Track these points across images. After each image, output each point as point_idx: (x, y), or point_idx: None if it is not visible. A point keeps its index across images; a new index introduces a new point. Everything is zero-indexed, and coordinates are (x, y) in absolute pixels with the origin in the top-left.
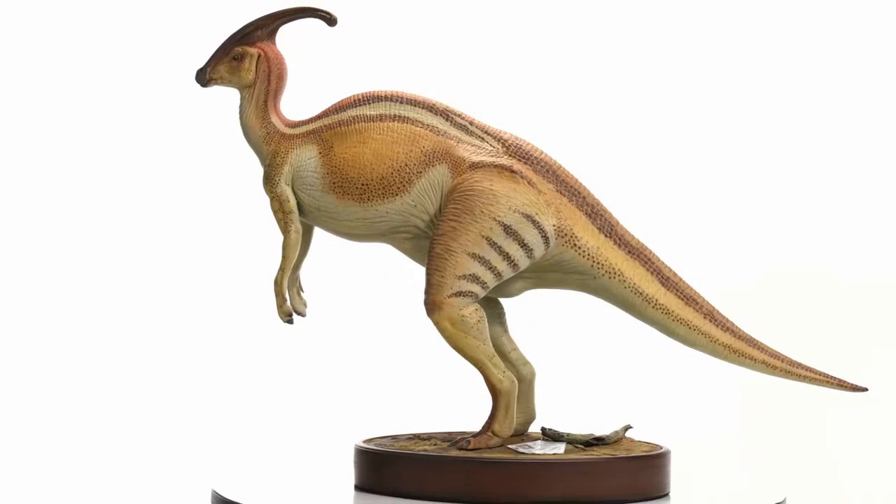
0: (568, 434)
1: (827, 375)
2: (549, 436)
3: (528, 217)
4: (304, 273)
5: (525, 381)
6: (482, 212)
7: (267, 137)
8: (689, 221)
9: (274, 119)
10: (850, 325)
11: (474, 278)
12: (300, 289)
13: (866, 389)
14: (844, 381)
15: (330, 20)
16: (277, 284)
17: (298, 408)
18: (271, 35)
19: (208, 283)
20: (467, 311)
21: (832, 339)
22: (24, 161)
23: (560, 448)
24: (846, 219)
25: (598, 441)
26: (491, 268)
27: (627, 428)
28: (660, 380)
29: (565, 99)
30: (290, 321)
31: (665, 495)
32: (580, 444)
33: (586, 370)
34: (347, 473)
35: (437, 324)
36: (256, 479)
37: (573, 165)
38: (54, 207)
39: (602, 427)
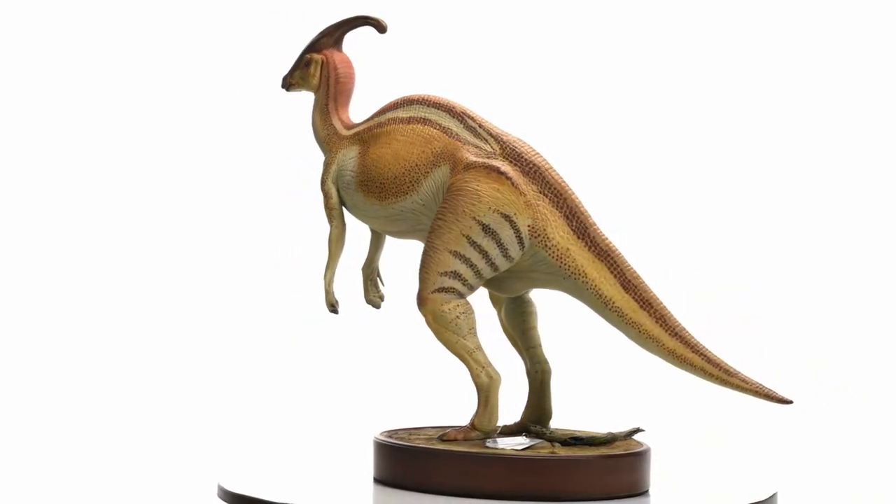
0: (551, 432)
1: (758, 386)
2: (534, 433)
3: (506, 217)
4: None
5: (537, 380)
6: (464, 211)
7: (327, 138)
8: (690, 220)
9: (335, 120)
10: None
11: (456, 275)
12: (380, 281)
13: (791, 402)
14: (772, 394)
15: (379, 27)
16: (323, 277)
17: (310, 402)
18: (337, 42)
19: (217, 280)
20: (448, 307)
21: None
22: (34, 157)
23: (525, 444)
24: (826, 226)
25: (575, 441)
26: (472, 266)
27: (636, 431)
28: (654, 374)
29: (607, 100)
30: (335, 311)
31: (644, 493)
32: (558, 442)
33: (578, 368)
34: (353, 466)
35: (424, 318)
36: (261, 474)
37: (590, 166)
38: (73, 207)
39: (594, 425)
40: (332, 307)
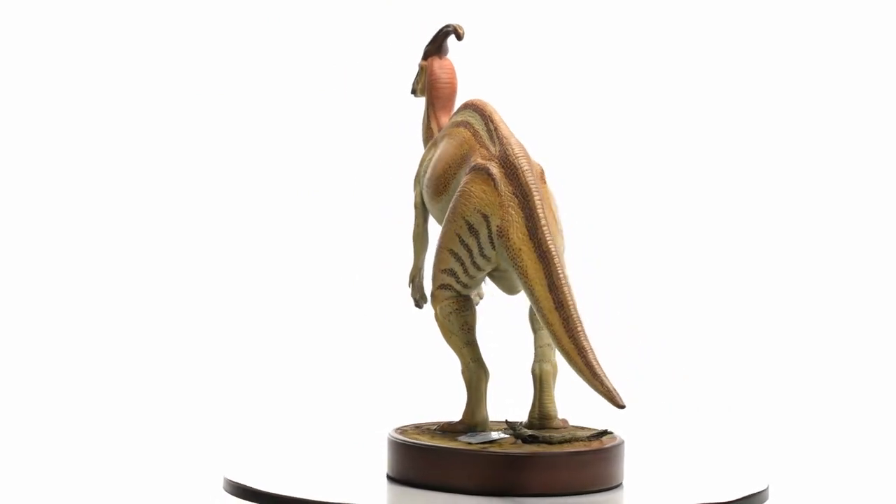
0: (520, 429)
1: (607, 389)
2: (511, 427)
3: (484, 217)
4: (330, 265)
5: (536, 378)
6: (458, 210)
7: (426, 140)
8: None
9: (433, 124)
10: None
11: (451, 273)
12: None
13: (624, 407)
14: (614, 397)
15: (456, 34)
16: (410, 273)
17: (317, 397)
18: (438, 50)
19: (224, 274)
20: (444, 304)
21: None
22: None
23: (487, 439)
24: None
25: (532, 439)
26: (462, 264)
27: (604, 433)
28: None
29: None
30: (419, 306)
31: (617, 486)
32: (520, 438)
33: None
34: (361, 461)
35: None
36: (266, 469)
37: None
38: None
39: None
40: (416, 302)
